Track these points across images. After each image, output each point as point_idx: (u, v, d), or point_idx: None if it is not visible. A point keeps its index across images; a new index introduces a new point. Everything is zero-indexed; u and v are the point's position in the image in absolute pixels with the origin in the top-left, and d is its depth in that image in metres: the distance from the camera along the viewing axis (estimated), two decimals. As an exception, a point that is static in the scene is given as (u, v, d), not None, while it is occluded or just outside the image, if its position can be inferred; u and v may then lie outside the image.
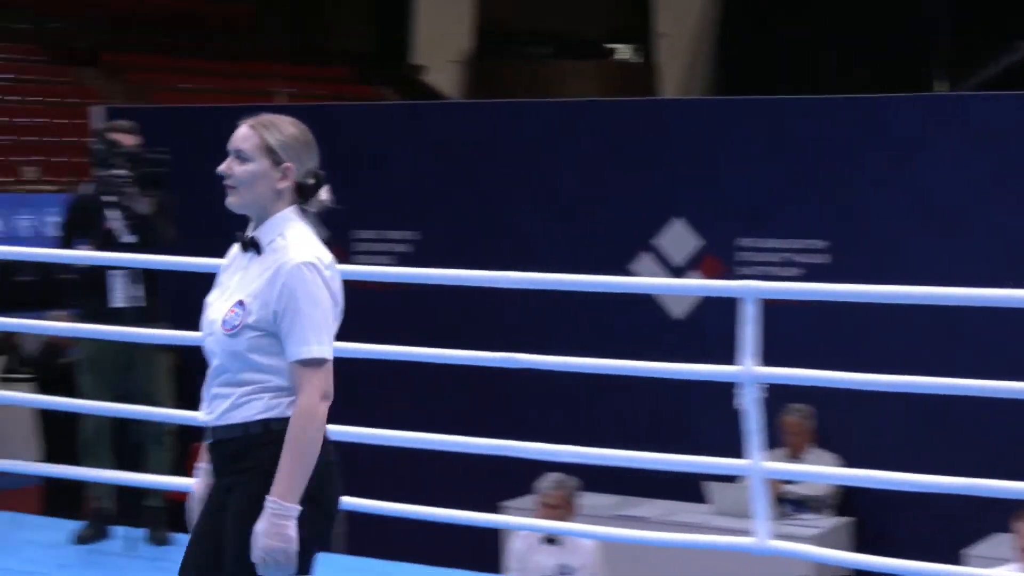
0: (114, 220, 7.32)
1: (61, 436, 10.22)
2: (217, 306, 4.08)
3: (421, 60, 40.32)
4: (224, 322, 4.02)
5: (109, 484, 7.32)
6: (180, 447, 7.68)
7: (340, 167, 11.60)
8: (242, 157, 4.10)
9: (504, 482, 9.58)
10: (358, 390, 10.56)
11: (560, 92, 31.22)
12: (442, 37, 40.11)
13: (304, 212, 4.13)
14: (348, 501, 6.71)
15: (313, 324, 3.97)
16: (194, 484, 4.23)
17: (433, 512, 6.55)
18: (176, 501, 7.87)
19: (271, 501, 3.89)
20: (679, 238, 10.46)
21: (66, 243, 7.61)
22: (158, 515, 7.33)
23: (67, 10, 36.83)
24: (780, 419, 9.57)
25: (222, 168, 4.12)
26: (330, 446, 4.10)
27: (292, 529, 3.88)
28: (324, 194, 4.18)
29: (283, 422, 3.99)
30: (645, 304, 10.31)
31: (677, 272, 10.40)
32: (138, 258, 7.10)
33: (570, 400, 10.39)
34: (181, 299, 8.16)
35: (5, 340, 16.17)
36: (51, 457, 10.77)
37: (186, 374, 9.00)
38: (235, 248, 4.18)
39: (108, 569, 6.87)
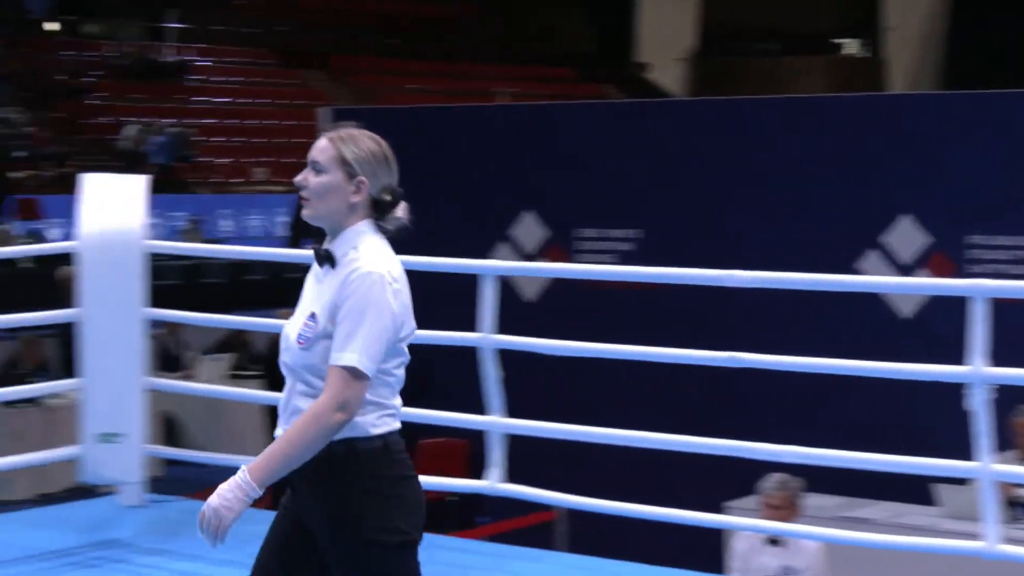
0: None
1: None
2: (293, 322, 4.07)
3: (645, 58, 40.24)
4: (299, 336, 4.00)
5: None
6: (405, 444, 7.73)
7: (563, 167, 11.71)
8: (317, 169, 4.05)
9: (727, 482, 9.50)
10: (582, 389, 10.59)
11: (786, 88, 30.91)
12: (666, 35, 39.94)
13: (381, 228, 4.08)
14: (573, 500, 6.73)
15: (363, 333, 3.91)
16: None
17: (656, 511, 6.51)
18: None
19: (243, 471, 3.88)
20: (907, 235, 10.27)
21: (294, 242, 7.73)
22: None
23: (296, 14, 37.52)
24: (1011, 420, 9.33)
25: (298, 179, 4.09)
26: (408, 461, 4.07)
27: (241, 505, 3.84)
28: (400, 211, 4.12)
29: (370, 441, 3.97)
30: (872, 303, 10.14)
31: (905, 270, 10.22)
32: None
33: (794, 400, 10.27)
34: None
35: (235, 338, 16.55)
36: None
37: (412, 372, 9.06)
38: (315, 266, 4.16)
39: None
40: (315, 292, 4.05)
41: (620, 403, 10.37)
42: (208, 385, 12.56)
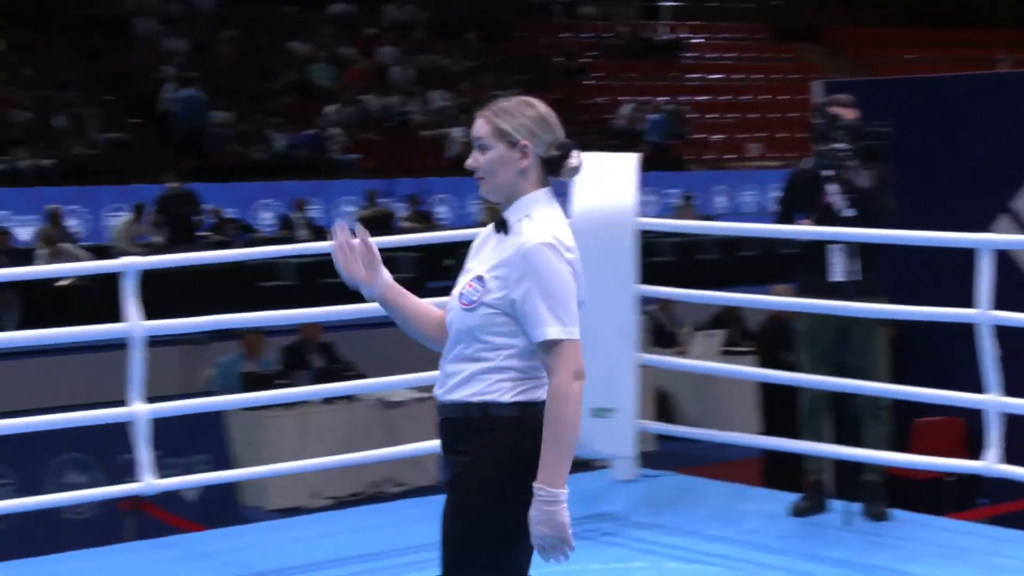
0: (833, 194, 7.29)
1: (781, 408, 10.34)
2: (461, 281, 4.12)
3: None
4: (461, 295, 4.07)
5: (827, 457, 7.33)
6: (896, 422, 7.58)
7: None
8: (483, 146, 4.13)
9: None
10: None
11: None
12: None
13: (562, 183, 4.19)
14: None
15: (555, 304, 3.97)
16: None
17: None
18: (894, 476, 7.79)
19: (538, 488, 3.88)
20: None
21: (785, 218, 7.65)
22: (876, 490, 7.27)
23: (790, -13, 37.30)
24: None
25: (469, 163, 4.15)
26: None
27: (563, 515, 3.86)
28: (574, 160, 4.18)
29: (504, 407, 3.99)
30: None
31: None
32: (856, 232, 7.06)
33: None
34: (899, 272, 8.04)
35: (729, 314, 16.58)
36: (771, 429, 10.91)
37: (903, 347, 8.87)
38: (487, 228, 4.20)
39: (825, 542, 6.88)
40: (486, 256, 4.11)
41: None
42: (700, 361, 12.64)
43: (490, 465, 4.01)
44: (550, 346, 3.97)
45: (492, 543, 4.03)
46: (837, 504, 7.29)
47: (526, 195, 4.13)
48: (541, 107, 4.19)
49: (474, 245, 4.24)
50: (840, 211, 7.29)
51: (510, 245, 4.06)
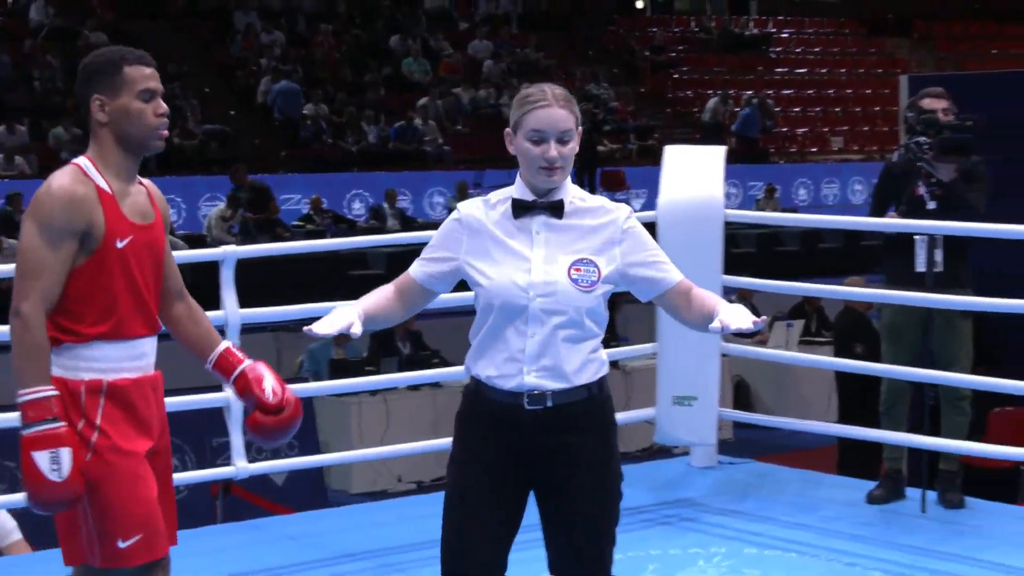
0: (921, 187, 7.31)
1: (858, 397, 10.38)
2: (537, 269, 4.08)
3: None
4: (576, 280, 4.06)
5: (903, 446, 7.37)
6: (976, 412, 7.61)
7: None
8: (565, 139, 4.11)
9: None
10: None
11: None
12: None
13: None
14: None
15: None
16: None
17: None
18: (970, 466, 7.83)
19: None
20: None
21: (879, 209, 7.61)
22: (952, 479, 7.31)
23: (879, -19, 37.06)
24: None
25: (553, 155, 4.08)
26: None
27: None
28: None
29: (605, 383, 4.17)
30: None
31: None
32: (940, 224, 7.07)
33: None
34: (985, 265, 8.03)
35: (808, 304, 16.61)
36: (847, 417, 10.95)
37: (985, 339, 8.88)
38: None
39: (901, 529, 6.91)
40: (554, 240, 4.11)
41: None
42: (779, 351, 12.68)
43: (613, 432, 4.19)
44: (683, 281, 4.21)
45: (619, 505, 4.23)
46: (913, 492, 7.34)
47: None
48: None
49: (492, 236, 4.16)
50: (927, 203, 7.30)
51: (593, 222, 4.13)
